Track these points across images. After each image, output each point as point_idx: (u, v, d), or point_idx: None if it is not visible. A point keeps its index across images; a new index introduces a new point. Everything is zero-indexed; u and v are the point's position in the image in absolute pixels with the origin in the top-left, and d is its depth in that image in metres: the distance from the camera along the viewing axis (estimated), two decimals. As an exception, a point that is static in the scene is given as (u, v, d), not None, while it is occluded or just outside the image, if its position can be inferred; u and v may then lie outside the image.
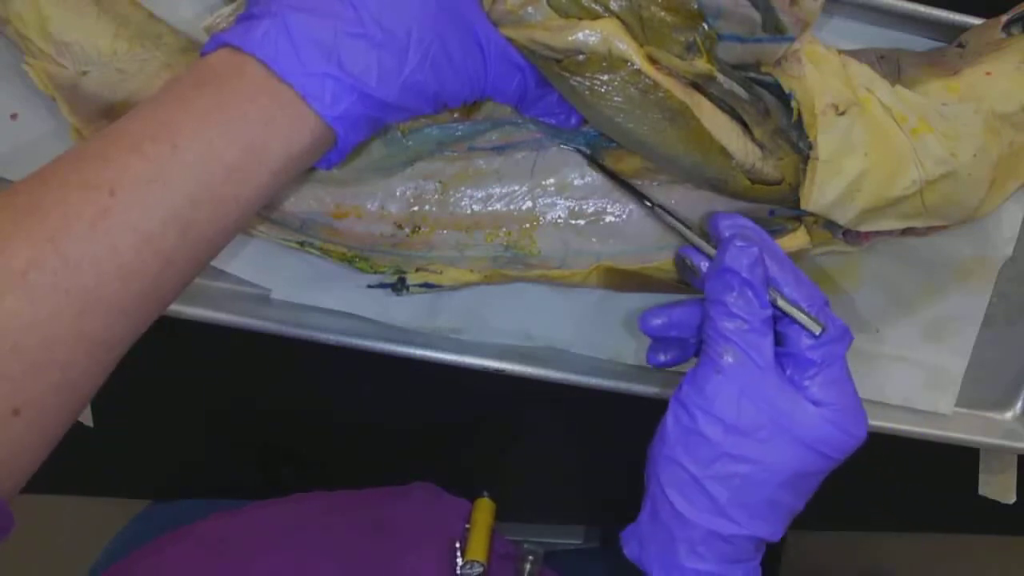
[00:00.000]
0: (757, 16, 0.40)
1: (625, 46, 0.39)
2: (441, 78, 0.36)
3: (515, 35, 0.39)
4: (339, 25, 0.33)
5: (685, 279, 0.45)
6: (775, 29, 0.40)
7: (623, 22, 0.39)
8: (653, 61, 0.40)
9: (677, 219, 0.44)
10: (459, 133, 0.45)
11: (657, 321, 0.43)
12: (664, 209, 0.45)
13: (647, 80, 0.39)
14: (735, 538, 0.39)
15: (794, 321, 0.39)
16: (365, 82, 0.34)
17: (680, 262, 0.44)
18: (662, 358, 0.44)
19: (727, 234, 0.41)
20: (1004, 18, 0.46)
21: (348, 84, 0.34)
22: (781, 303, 0.39)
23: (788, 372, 0.40)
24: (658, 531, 0.40)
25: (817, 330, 0.39)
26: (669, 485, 0.39)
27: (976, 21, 0.47)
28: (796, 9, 0.40)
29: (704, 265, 0.42)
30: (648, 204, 0.45)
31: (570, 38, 0.38)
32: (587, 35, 0.38)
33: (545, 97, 0.42)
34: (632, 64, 0.39)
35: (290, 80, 0.33)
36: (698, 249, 0.43)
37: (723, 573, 0.39)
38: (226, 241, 0.34)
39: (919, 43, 0.49)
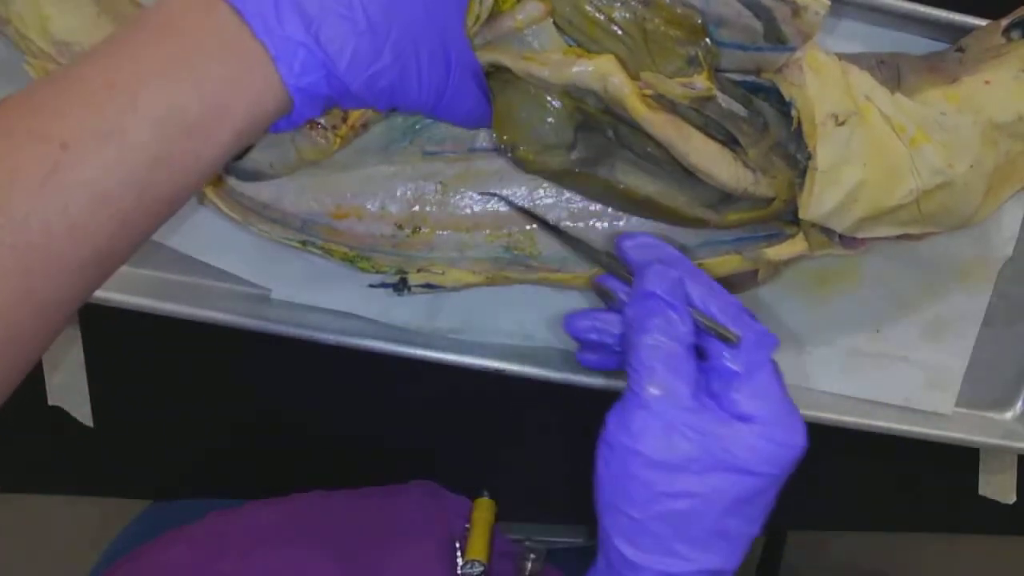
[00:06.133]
0: (759, 26, 0.40)
1: (619, 81, 0.39)
2: (404, 86, 0.35)
3: (513, 65, 0.39)
4: (327, 1, 0.32)
5: (607, 304, 0.45)
6: (776, 40, 0.40)
7: (624, 42, 0.39)
8: (648, 86, 0.40)
9: (589, 246, 0.44)
10: None
11: (579, 323, 0.42)
12: (573, 236, 0.45)
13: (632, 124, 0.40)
14: (688, 575, 0.37)
15: (709, 333, 0.38)
16: (336, 63, 0.33)
17: (598, 289, 0.44)
18: (591, 358, 0.44)
19: (635, 257, 0.40)
20: (1004, 22, 0.45)
21: (319, 59, 0.32)
22: (696, 317, 0.38)
23: (714, 388, 0.38)
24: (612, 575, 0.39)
25: (733, 339, 0.38)
26: (613, 532, 0.38)
27: (976, 21, 0.47)
28: (798, 22, 0.40)
29: (619, 290, 0.42)
30: (555, 229, 0.45)
31: (570, 71, 0.38)
32: (584, 69, 0.39)
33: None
34: (622, 106, 0.39)
35: (264, 39, 0.31)
36: (614, 275, 0.42)
37: None
38: (184, 201, 0.33)
39: (919, 43, 0.49)
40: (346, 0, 0.32)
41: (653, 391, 0.37)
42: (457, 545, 0.48)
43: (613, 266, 0.43)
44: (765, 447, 0.37)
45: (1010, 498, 0.59)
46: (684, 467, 0.36)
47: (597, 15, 0.39)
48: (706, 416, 0.37)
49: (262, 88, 0.32)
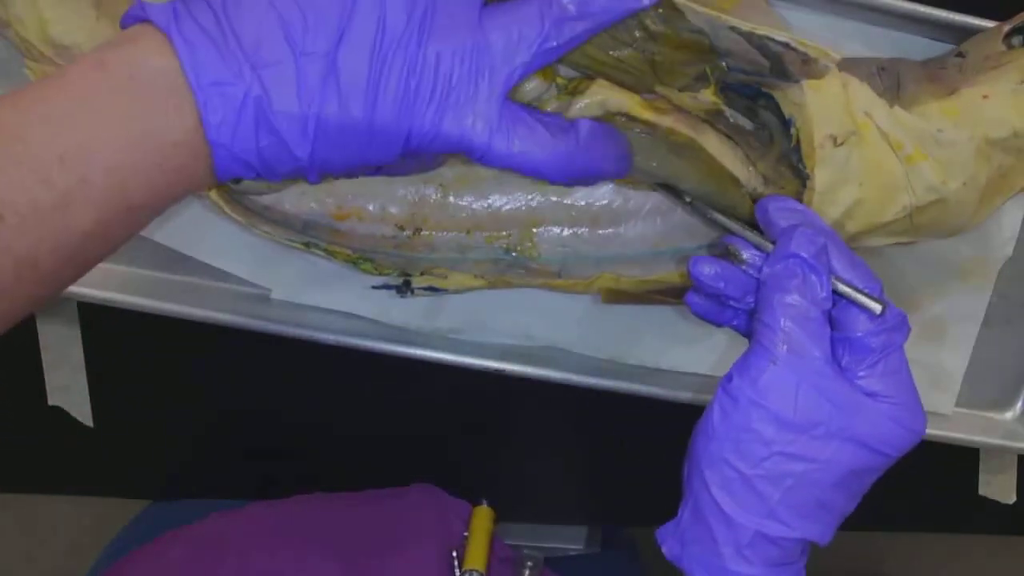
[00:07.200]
0: (766, 63, 0.40)
1: (617, 99, 0.40)
2: (351, 172, 0.36)
3: None
4: (285, 134, 0.32)
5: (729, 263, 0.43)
6: (782, 75, 0.41)
7: (632, 72, 0.40)
8: (661, 98, 0.40)
9: (719, 212, 0.43)
10: None
11: (708, 269, 0.40)
12: (699, 207, 0.44)
13: (646, 123, 0.40)
14: (783, 540, 0.37)
15: (853, 303, 0.37)
16: (270, 175, 0.33)
17: (723, 250, 0.42)
18: (702, 303, 0.42)
19: (780, 219, 0.40)
20: (1005, 27, 0.45)
21: (254, 171, 0.33)
22: (839, 285, 0.37)
23: (844, 361, 0.38)
24: (701, 531, 0.38)
25: (878, 309, 0.37)
26: (715, 484, 0.37)
27: (976, 21, 0.47)
28: (807, 68, 0.40)
29: (748, 253, 0.40)
30: (687, 201, 0.44)
31: (571, 111, 0.39)
32: (580, 107, 0.39)
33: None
34: (627, 115, 0.40)
35: (216, 154, 0.32)
36: (743, 238, 0.41)
37: None
38: (106, 258, 0.33)
39: (920, 43, 0.49)
40: (298, 142, 0.32)
41: (784, 348, 0.36)
42: (455, 554, 0.48)
43: (744, 232, 0.41)
44: (892, 428, 0.37)
45: (1010, 498, 0.59)
46: (806, 430, 0.36)
47: (604, 58, 0.39)
48: (836, 384, 0.37)
49: (200, 180, 0.33)
